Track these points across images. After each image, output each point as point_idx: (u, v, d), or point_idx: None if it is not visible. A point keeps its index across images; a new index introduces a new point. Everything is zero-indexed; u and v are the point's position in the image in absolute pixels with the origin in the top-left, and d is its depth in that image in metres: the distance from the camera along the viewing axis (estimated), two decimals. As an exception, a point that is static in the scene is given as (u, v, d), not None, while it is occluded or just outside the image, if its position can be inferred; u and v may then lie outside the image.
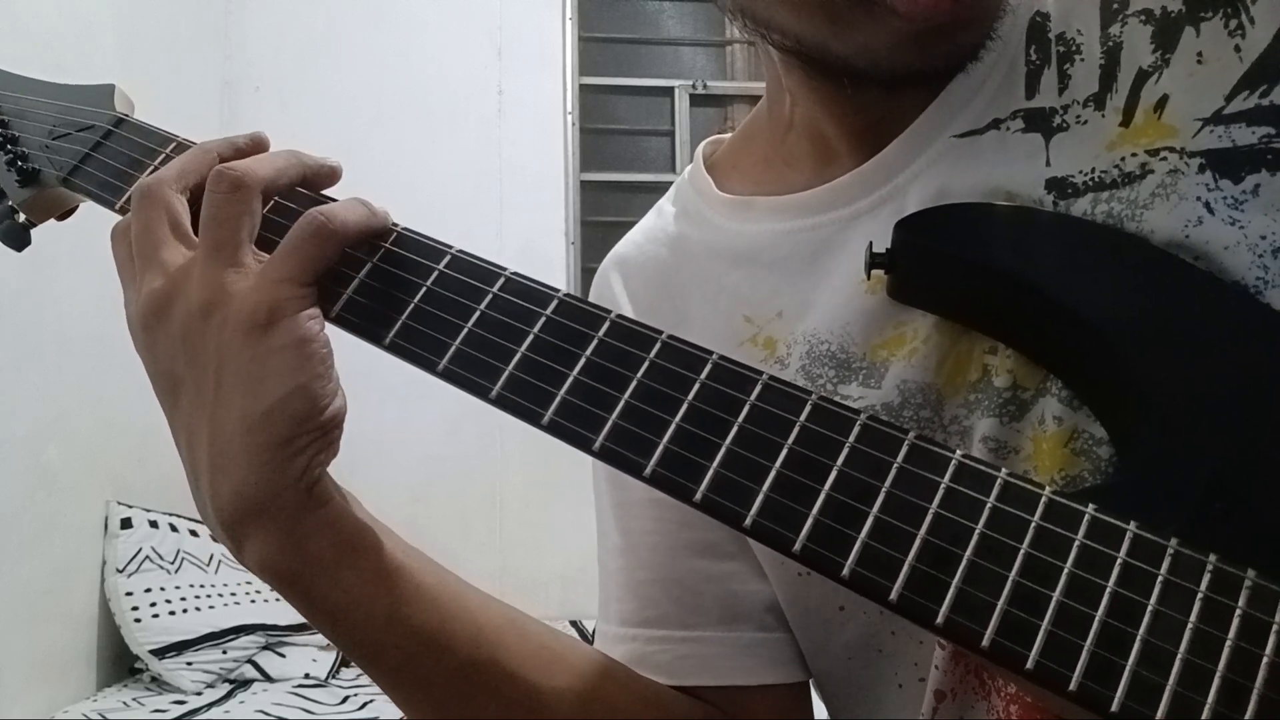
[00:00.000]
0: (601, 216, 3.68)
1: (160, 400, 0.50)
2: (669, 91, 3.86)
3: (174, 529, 2.81)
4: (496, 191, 3.59)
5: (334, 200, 0.53)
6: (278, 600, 3.00)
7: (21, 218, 0.62)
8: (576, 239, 3.66)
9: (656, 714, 0.59)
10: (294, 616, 2.88)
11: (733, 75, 3.92)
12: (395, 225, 0.52)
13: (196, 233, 0.50)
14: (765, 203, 0.61)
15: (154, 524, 2.76)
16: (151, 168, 0.57)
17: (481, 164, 3.60)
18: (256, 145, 0.55)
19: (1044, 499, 0.38)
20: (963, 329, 0.52)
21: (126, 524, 2.70)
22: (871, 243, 0.51)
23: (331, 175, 0.55)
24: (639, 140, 3.88)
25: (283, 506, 0.46)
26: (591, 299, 0.69)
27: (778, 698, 0.61)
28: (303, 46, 3.58)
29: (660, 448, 0.42)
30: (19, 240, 0.62)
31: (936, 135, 0.55)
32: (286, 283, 0.46)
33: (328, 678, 2.79)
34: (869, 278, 0.52)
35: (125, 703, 2.49)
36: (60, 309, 2.47)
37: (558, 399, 0.44)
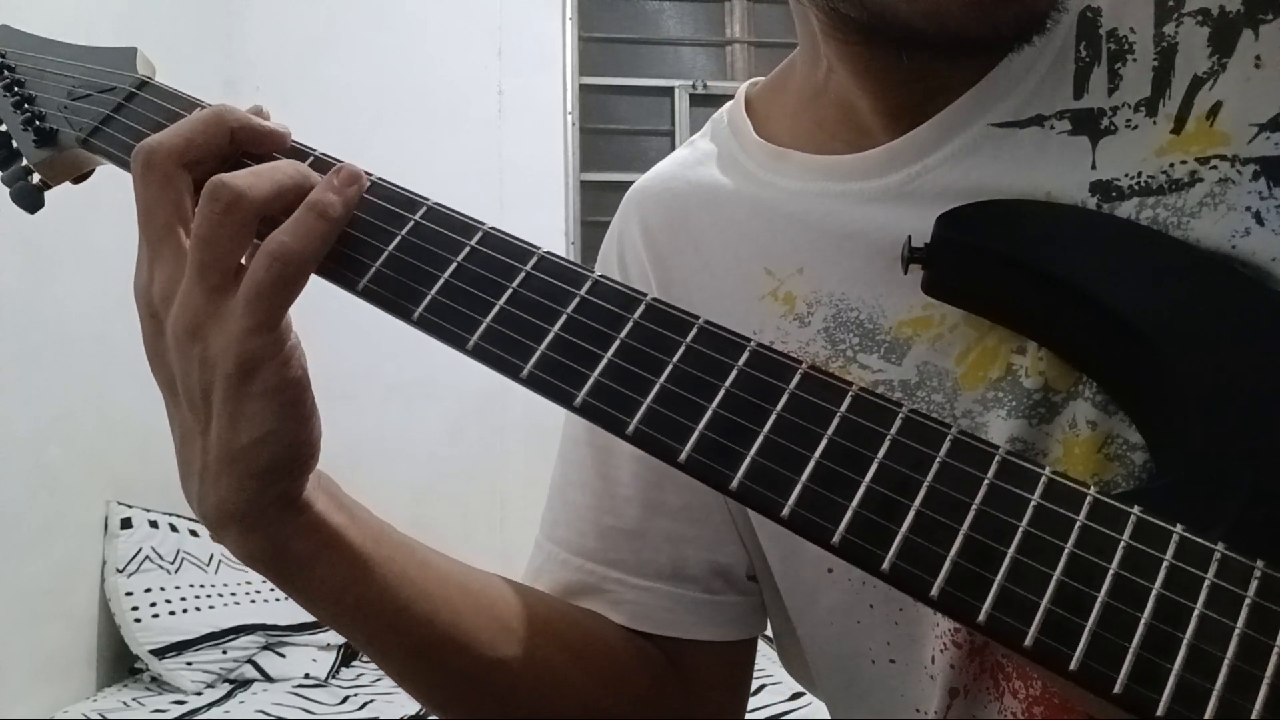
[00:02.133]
0: (601, 217, 3.67)
1: (159, 386, 0.50)
2: (669, 91, 3.86)
3: (174, 529, 2.80)
4: (496, 191, 3.58)
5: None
6: (278, 600, 3.00)
7: (36, 179, 0.60)
8: (576, 239, 3.66)
9: (603, 666, 0.62)
10: (294, 617, 2.87)
11: (733, 75, 3.91)
12: (425, 199, 0.51)
13: None
14: (798, 158, 0.61)
15: (154, 524, 2.75)
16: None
17: (481, 164, 3.59)
18: (273, 138, 0.53)
19: (1089, 498, 0.37)
20: (990, 325, 0.51)
21: (126, 524, 2.69)
22: (910, 237, 0.50)
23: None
24: (639, 140, 3.88)
25: (263, 518, 0.48)
26: (612, 229, 0.70)
27: (719, 651, 0.65)
28: (303, 46, 3.57)
29: (696, 434, 0.41)
30: (33, 202, 0.60)
31: (973, 120, 0.54)
32: (255, 332, 0.45)
33: (328, 678, 2.78)
34: (906, 273, 0.52)
35: (125, 703, 2.48)
36: (60, 309, 2.46)
37: (591, 380, 0.44)
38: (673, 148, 3.96)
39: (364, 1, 3.62)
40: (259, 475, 0.47)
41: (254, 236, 0.47)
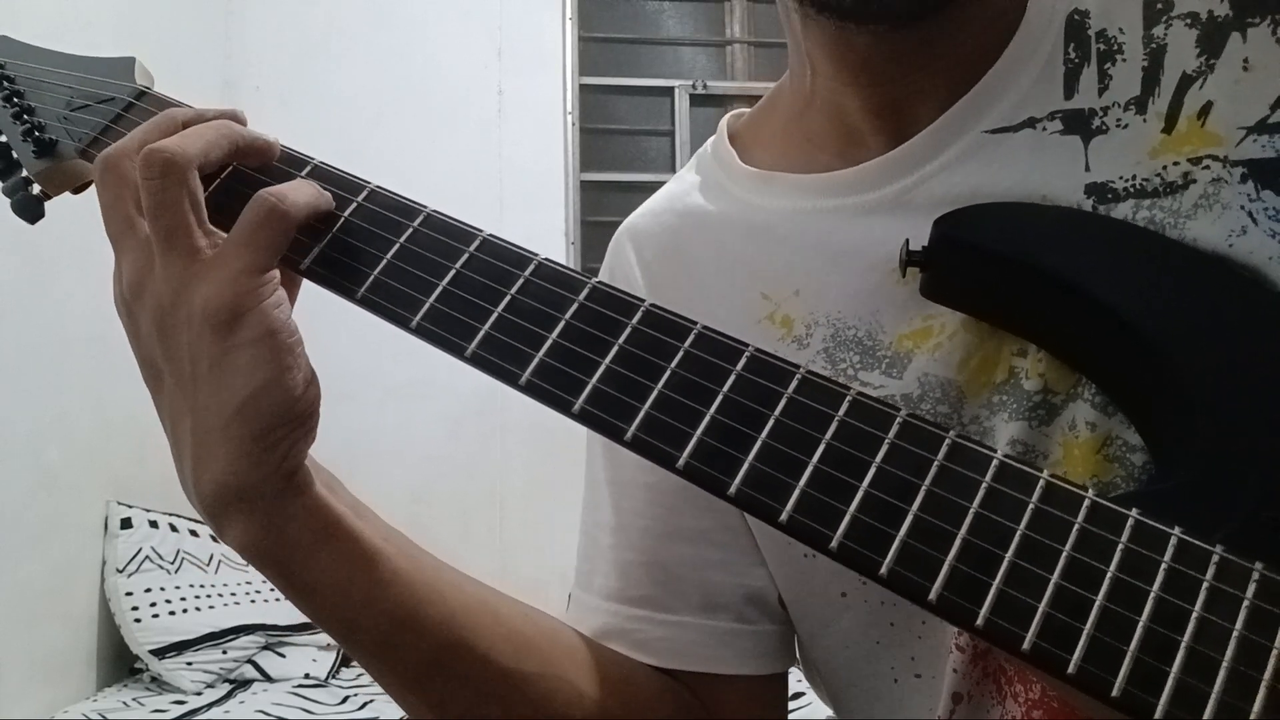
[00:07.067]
0: (601, 216, 3.67)
1: (145, 383, 0.50)
2: (669, 91, 3.85)
3: (174, 529, 2.80)
4: (496, 191, 3.58)
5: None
6: (278, 600, 3.00)
7: (36, 189, 0.60)
8: (576, 239, 3.65)
9: (625, 696, 0.59)
10: (294, 616, 2.87)
11: (733, 75, 3.91)
12: (424, 206, 0.51)
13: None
14: (787, 179, 0.60)
15: (154, 524, 2.75)
16: None
17: (481, 164, 3.59)
18: (231, 118, 0.53)
19: (1087, 501, 0.37)
20: (990, 329, 0.51)
21: (126, 524, 2.69)
22: (908, 240, 0.50)
23: (266, 151, 0.53)
24: (639, 140, 3.88)
25: (262, 494, 0.47)
26: (605, 268, 0.69)
27: (750, 687, 0.62)
28: (303, 46, 3.57)
29: (694, 439, 0.41)
30: (33, 212, 0.60)
31: (967, 128, 0.54)
32: (245, 274, 0.46)
33: (328, 678, 2.78)
34: (905, 275, 0.51)
35: (125, 703, 2.48)
36: (60, 309, 2.46)
37: (589, 387, 0.43)
38: (672, 147, 3.94)
39: (364, 1, 3.62)
40: (256, 437, 0.45)
41: (200, 194, 0.48)
